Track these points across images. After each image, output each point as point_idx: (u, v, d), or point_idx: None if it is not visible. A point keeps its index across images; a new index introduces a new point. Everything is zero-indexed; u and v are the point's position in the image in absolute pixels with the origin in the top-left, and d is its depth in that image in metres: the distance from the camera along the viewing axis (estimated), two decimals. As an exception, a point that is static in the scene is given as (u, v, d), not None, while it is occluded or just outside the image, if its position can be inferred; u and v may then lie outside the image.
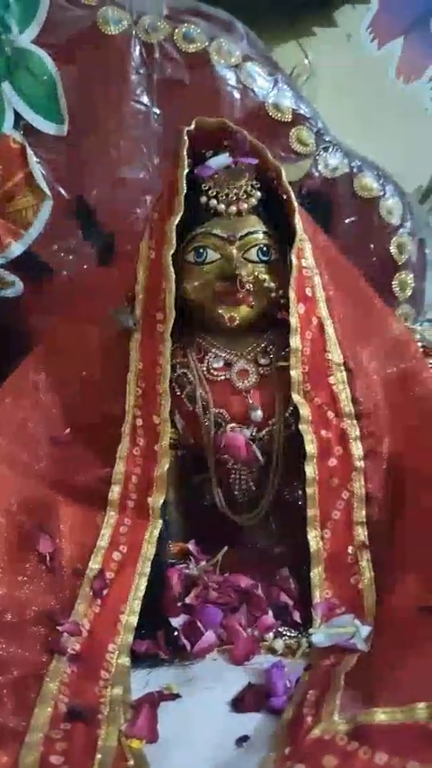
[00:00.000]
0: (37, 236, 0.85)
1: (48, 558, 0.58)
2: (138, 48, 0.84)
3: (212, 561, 0.62)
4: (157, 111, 0.86)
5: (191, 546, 0.64)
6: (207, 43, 0.86)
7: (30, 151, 0.83)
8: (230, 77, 0.87)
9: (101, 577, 0.58)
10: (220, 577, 0.61)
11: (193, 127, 0.66)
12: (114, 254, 0.85)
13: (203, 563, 0.62)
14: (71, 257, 0.86)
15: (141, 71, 0.85)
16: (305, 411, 0.64)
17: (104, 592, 0.57)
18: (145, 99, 0.85)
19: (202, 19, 0.88)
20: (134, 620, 0.56)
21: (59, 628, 0.53)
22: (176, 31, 0.85)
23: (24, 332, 0.86)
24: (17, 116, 0.83)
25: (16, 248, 0.86)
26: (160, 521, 0.62)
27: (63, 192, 0.85)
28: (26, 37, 0.81)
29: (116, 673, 0.52)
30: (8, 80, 0.81)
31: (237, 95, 0.87)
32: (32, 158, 0.83)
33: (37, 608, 0.54)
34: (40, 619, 0.53)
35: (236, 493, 0.66)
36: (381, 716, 0.43)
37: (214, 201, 0.64)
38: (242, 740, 0.47)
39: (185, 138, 0.65)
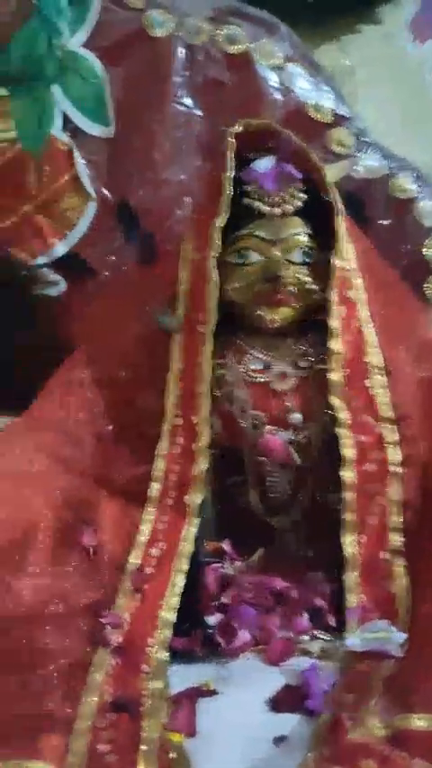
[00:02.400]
0: (80, 236, 0.88)
1: (91, 552, 0.59)
2: (181, 49, 0.85)
3: (249, 561, 0.63)
4: (199, 113, 0.86)
5: (225, 545, 0.64)
6: (249, 44, 0.87)
7: (76, 153, 0.85)
8: (272, 78, 0.87)
9: (140, 572, 0.59)
10: (254, 578, 0.62)
11: (239, 129, 0.66)
12: (155, 254, 0.87)
13: (239, 563, 0.63)
14: (113, 258, 0.87)
15: (184, 73, 0.85)
16: (343, 415, 0.64)
17: (144, 587, 0.58)
18: (187, 100, 0.86)
19: (244, 20, 0.88)
20: (172, 616, 0.57)
21: (102, 620, 0.54)
22: (219, 32, 0.85)
23: (65, 331, 0.88)
24: (65, 118, 0.84)
25: (60, 248, 0.87)
26: (197, 519, 0.63)
27: (107, 193, 0.87)
28: (76, 41, 0.83)
29: (155, 667, 0.53)
30: (58, 83, 0.83)
31: (278, 96, 0.87)
32: (79, 160, 0.85)
33: (81, 600, 0.55)
34: (84, 611, 0.55)
35: (271, 495, 0.67)
36: (418, 722, 0.43)
37: (258, 204, 0.64)
38: (280, 740, 0.48)
39: (231, 140, 0.66)
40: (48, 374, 0.77)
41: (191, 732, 0.47)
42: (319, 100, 0.88)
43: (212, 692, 0.52)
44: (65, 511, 0.62)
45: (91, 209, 0.87)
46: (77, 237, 0.87)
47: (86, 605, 0.55)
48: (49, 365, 0.78)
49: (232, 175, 0.64)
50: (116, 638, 0.53)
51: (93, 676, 0.49)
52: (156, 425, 0.66)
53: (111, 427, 0.68)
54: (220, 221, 0.64)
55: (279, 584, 0.62)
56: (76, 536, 0.60)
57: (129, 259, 0.87)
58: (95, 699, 0.47)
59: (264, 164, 0.65)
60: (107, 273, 0.88)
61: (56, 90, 0.84)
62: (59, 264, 0.87)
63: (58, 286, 0.88)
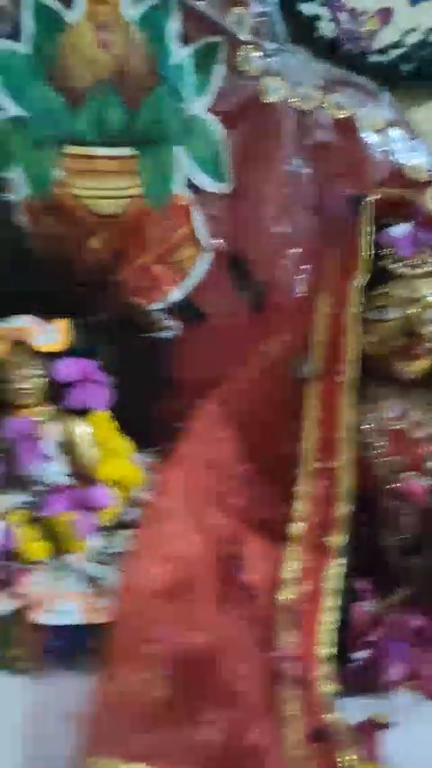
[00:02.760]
0: (194, 285, 0.94)
1: (249, 588, 0.63)
2: (292, 114, 0.92)
3: (393, 599, 0.67)
4: (308, 172, 0.93)
5: (366, 583, 0.68)
6: (355, 110, 0.94)
7: (195, 208, 0.91)
8: (374, 141, 0.94)
9: (295, 609, 0.63)
10: (398, 615, 0.66)
11: (376, 197, 0.72)
12: (265, 302, 0.92)
13: (382, 601, 0.66)
14: (224, 306, 0.94)
15: (294, 135, 0.92)
16: None
17: (301, 623, 0.62)
18: (297, 161, 0.92)
19: (350, 87, 0.95)
20: (329, 651, 0.61)
21: (276, 654, 0.58)
22: (328, 98, 0.92)
23: (179, 371, 0.93)
24: (186, 176, 0.91)
25: (175, 295, 0.94)
26: (342, 559, 0.67)
27: (221, 245, 0.93)
28: (199, 106, 0.90)
29: (328, 701, 0.56)
30: (182, 144, 0.90)
31: (379, 157, 0.94)
32: (197, 215, 0.91)
33: (250, 635, 0.59)
34: (254, 645, 0.58)
35: (403, 537, 0.70)
36: None
37: (396, 265, 0.70)
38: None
39: (369, 205, 0.71)
40: (172, 411, 0.84)
41: (381, 762, 0.51)
42: (417, 160, 0.95)
43: (386, 725, 0.55)
44: (221, 547, 0.66)
45: (205, 259, 0.93)
46: (192, 285, 0.94)
47: (256, 640, 0.59)
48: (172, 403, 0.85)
49: (371, 239, 0.70)
50: (295, 672, 0.57)
51: (286, 708, 0.53)
52: (294, 467, 0.70)
53: (246, 467, 0.73)
54: (361, 281, 0.69)
55: (420, 621, 0.66)
56: (233, 572, 0.64)
57: (240, 306, 0.94)
58: (297, 730, 0.51)
59: (401, 230, 0.70)
60: (218, 320, 0.94)
61: (179, 150, 0.91)
62: (174, 310, 0.94)
63: (171, 330, 0.94)
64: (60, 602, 0.65)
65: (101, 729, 0.50)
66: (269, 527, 0.69)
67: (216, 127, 0.90)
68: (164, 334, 0.93)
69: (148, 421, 0.86)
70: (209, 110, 0.90)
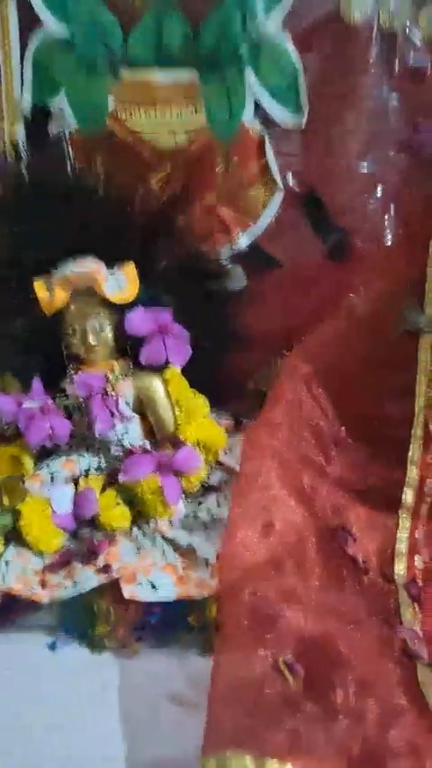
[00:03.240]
0: (264, 228, 0.85)
1: (360, 561, 0.58)
2: (379, 34, 0.82)
3: None
4: (395, 104, 0.83)
5: None
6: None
7: (268, 142, 0.82)
8: None
9: (413, 583, 0.58)
10: None
11: None
12: (346, 250, 0.84)
13: None
14: (298, 252, 0.85)
15: (381, 60, 0.82)
16: None
17: (421, 597, 0.57)
18: (383, 91, 0.82)
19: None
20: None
21: (401, 633, 0.52)
22: (422, 14, 0.82)
23: (240, 325, 0.86)
24: (256, 105, 0.82)
25: (243, 240, 0.85)
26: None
27: (295, 184, 0.84)
28: (272, 23, 0.79)
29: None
30: (252, 66, 0.80)
31: None
32: (270, 150, 0.82)
33: (365, 610, 0.54)
34: (373, 622, 0.53)
35: None
36: None
37: None
38: None
39: None
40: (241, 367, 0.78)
41: None
42: None
43: None
44: (325, 516, 0.60)
45: (277, 200, 0.84)
46: (261, 229, 0.85)
47: (373, 616, 0.54)
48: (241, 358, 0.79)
49: None
50: (425, 651, 0.51)
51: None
52: (400, 429, 0.64)
53: (343, 429, 0.67)
54: None
55: None
56: (339, 543, 0.59)
57: (316, 253, 0.85)
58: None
59: None
60: (292, 267, 0.86)
61: (248, 74, 0.81)
62: (242, 257, 0.86)
63: (239, 280, 0.86)
64: (154, 574, 0.59)
65: (225, 722, 0.44)
66: (372, 494, 0.64)
67: (290, 48, 0.80)
68: (233, 284, 0.85)
69: (216, 378, 0.80)
70: (282, 28, 0.80)
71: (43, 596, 0.59)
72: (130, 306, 0.72)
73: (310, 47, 0.82)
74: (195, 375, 0.76)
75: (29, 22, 0.80)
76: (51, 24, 0.80)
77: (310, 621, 0.51)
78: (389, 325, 0.67)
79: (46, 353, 0.74)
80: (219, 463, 0.71)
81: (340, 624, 0.52)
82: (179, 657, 0.59)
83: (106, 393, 0.67)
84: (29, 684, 0.57)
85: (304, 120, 0.82)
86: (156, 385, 0.69)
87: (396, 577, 0.58)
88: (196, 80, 0.80)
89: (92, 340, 0.70)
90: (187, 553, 0.61)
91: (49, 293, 0.70)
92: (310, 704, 0.45)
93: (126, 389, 0.69)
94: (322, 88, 0.82)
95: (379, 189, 0.82)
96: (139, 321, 0.69)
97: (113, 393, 0.68)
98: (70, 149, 0.82)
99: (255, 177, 0.83)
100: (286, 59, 0.81)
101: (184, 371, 0.76)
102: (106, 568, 0.59)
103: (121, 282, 0.71)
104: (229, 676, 0.47)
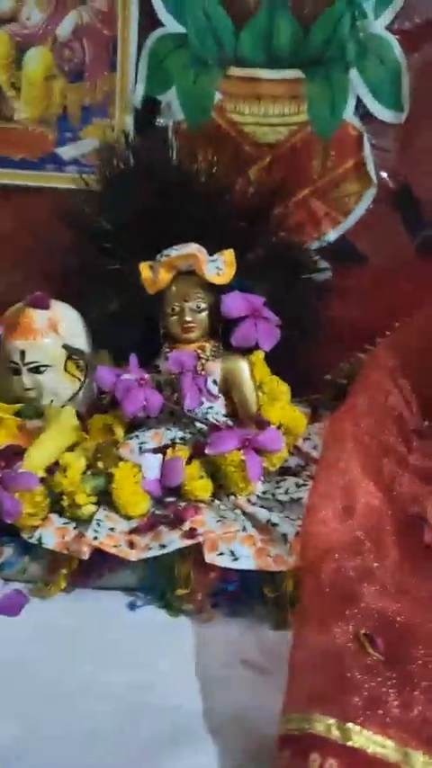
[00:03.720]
0: (355, 222, 0.87)
1: (436, 549, 0.58)
2: None
3: None
4: None
5: None
6: None
7: (366, 138, 0.84)
8: None
9: None
10: None
11: None
12: (436, 247, 0.85)
13: None
14: (387, 247, 0.87)
15: None
16: None
17: None
18: None
19: None
20: None
21: None
22: None
23: (324, 317, 0.87)
24: (357, 102, 0.83)
25: (332, 234, 0.87)
26: None
27: (389, 180, 0.85)
28: (380, 23, 0.81)
29: None
30: (357, 66, 0.82)
31: None
32: (368, 146, 0.84)
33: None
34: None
35: None
36: None
37: None
38: None
39: None
40: (316, 358, 0.81)
41: None
42: None
43: None
44: (404, 503, 0.61)
45: (369, 195, 0.86)
46: (352, 223, 0.87)
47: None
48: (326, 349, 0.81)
49: None
50: None
51: None
52: None
53: (426, 423, 0.68)
54: None
55: None
56: (416, 530, 0.60)
57: (405, 248, 0.87)
58: None
59: None
60: (381, 261, 0.87)
61: (353, 73, 0.82)
62: (331, 250, 0.88)
63: (325, 273, 0.88)
64: (235, 544, 0.61)
65: (308, 686, 0.46)
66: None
67: (396, 47, 0.81)
68: (319, 276, 0.87)
69: (298, 368, 0.81)
70: (390, 28, 0.81)
71: (131, 554, 0.62)
72: (227, 290, 0.75)
73: (415, 46, 0.83)
74: (278, 363, 0.79)
75: (149, 23, 0.85)
76: (170, 25, 0.85)
77: (388, 600, 0.53)
78: None
79: (141, 332, 0.79)
80: (297, 448, 0.74)
81: (416, 604, 0.53)
82: (252, 628, 0.61)
83: (197, 371, 0.71)
84: (108, 642, 0.60)
85: (404, 116, 0.84)
86: (242, 367, 0.72)
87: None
88: (302, 77, 0.83)
89: (189, 317, 0.73)
90: (266, 529, 0.63)
91: (154, 274, 0.74)
92: (388, 674, 0.47)
93: (215, 369, 0.72)
94: (424, 87, 0.84)
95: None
96: (234, 304, 0.72)
97: (203, 372, 0.72)
98: (175, 140, 0.87)
99: (350, 172, 0.85)
100: (391, 58, 0.82)
101: (268, 359, 0.79)
102: (192, 532, 0.61)
103: (219, 265, 0.74)
104: (310, 646, 0.49)
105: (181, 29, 0.84)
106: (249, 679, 0.56)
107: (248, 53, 0.83)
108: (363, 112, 0.83)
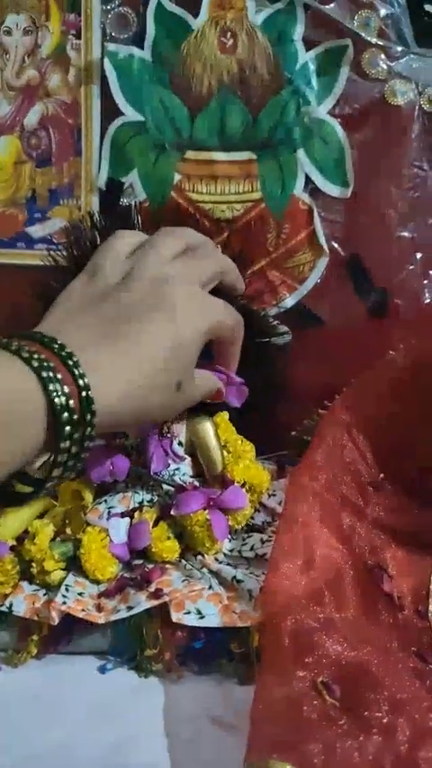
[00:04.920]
0: (310, 289, 0.92)
1: (396, 598, 0.61)
2: (420, 116, 0.90)
3: None
4: (435, 175, 0.91)
5: None
6: None
7: (316, 212, 0.90)
8: None
9: (446, 623, 0.60)
10: None
11: None
12: (386, 307, 0.90)
13: None
14: (341, 311, 0.92)
15: (421, 138, 0.90)
16: None
17: (454, 637, 0.59)
18: (423, 164, 0.91)
19: None
20: None
21: (436, 668, 0.55)
22: (457, 98, 0.90)
23: (286, 377, 0.91)
24: (306, 179, 0.90)
25: (289, 300, 0.93)
26: None
27: (339, 249, 0.92)
28: (323, 108, 0.89)
29: None
30: (303, 147, 0.89)
31: None
32: (317, 219, 0.90)
33: (399, 643, 0.57)
34: (407, 654, 0.56)
35: None
36: None
37: None
38: None
39: None
40: (285, 418, 0.84)
41: None
42: None
43: None
44: (364, 555, 0.63)
45: (322, 264, 0.92)
46: (307, 290, 0.93)
47: (406, 649, 0.56)
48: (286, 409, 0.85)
49: None
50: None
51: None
52: (432, 477, 0.68)
53: (382, 476, 0.71)
54: None
55: None
56: (375, 580, 0.62)
57: (358, 311, 0.92)
58: None
59: None
60: (335, 324, 0.93)
61: (300, 154, 0.90)
62: (288, 315, 0.93)
63: (284, 336, 0.93)
64: (201, 602, 0.63)
65: (267, 734, 0.48)
66: (408, 536, 0.67)
67: (338, 130, 0.89)
68: (279, 340, 0.92)
69: (262, 427, 0.85)
70: (331, 113, 0.89)
71: (99, 618, 0.64)
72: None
73: (357, 127, 0.91)
74: (245, 422, 0.83)
75: (111, 112, 0.92)
76: (130, 114, 0.92)
77: (348, 649, 0.55)
78: (425, 380, 0.72)
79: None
80: (263, 505, 0.76)
81: (376, 652, 0.55)
82: (220, 684, 0.62)
83: (162, 434, 0.74)
84: (80, 705, 0.61)
85: (349, 191, 0.90)
86: (207, 428, 0.75)
87: (430, 615, 0.61)
88: (254, 158, 0.91)
89: None
90: (232, 586, 0.65)
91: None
92: (345, 721, 0.48)
93: (180, 431, 0.76)
94: (367, 163, 0.91)
95: (419, 253, 0.90)
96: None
97: (168, 434, 0.75)
98: (139, 218, 0.93)
99: (303, 243, 0.91)
100: (335, 139, 0.90)
101: (233, 421, 0.83)
102: (158, 592, 0.63)
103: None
104: (270, 695, 0.51)
105: (140, 117, 0.92)
106: (216, 735, 0.57)
107: (204, 138, 0.91)
108: (312, 188, 0.90)
